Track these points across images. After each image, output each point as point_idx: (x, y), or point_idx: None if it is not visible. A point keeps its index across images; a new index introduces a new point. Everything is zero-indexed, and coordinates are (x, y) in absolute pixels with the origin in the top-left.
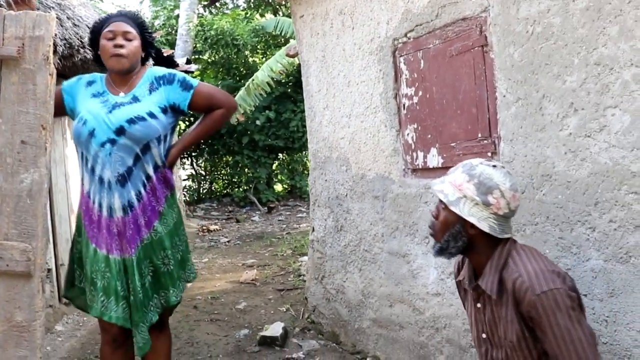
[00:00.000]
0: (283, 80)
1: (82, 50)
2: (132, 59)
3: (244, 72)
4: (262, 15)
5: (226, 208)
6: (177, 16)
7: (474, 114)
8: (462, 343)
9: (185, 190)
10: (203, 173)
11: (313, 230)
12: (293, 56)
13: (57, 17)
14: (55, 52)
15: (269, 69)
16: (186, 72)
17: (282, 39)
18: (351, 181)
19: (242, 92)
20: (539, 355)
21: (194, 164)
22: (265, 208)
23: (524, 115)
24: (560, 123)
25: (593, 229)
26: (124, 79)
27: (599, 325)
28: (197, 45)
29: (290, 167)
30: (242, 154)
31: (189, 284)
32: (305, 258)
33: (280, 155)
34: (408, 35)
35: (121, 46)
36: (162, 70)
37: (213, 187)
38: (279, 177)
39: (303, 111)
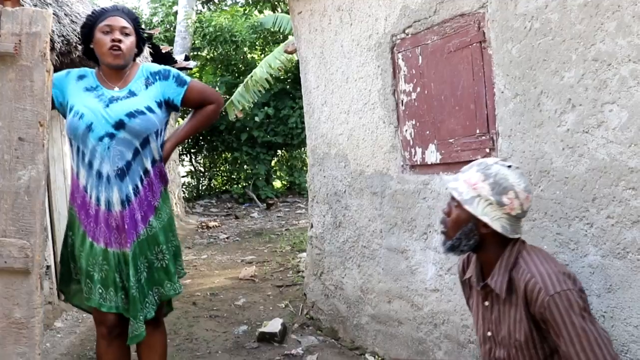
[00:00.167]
0: (282, 77)
1: (79, 47)
2: (129, 54)
3: (243, 68)
4: (260, 12)
5: (225, 204)
6: (176, 13)
7: (472, 110)
8: (461, 339)
9: (184, 186)
10: (202, 170)
11: (312, 226)
12: (291, 53)
13: (54, 14)
14: (52, 48)
15: (267, 65)
16: (185, 68)
17: (281, 36)
18: (350, 177)
19: (240, 88)
20: (545, 355)
21: (193, 161)
22: (264, 204)
23: (522, 111)
24: (558, 119)
25: (591, 225)
26: (117, 74)
27: None
28: (196, 41)
29: (289, 163)
30: (241, 151)
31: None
32: (304, 254)
33: (279, 152)
34: (406, 31)
35: (119, 41)
36: (156, 67)
37: (212, 184)
38: (278, 173)
39: (302, 107)
